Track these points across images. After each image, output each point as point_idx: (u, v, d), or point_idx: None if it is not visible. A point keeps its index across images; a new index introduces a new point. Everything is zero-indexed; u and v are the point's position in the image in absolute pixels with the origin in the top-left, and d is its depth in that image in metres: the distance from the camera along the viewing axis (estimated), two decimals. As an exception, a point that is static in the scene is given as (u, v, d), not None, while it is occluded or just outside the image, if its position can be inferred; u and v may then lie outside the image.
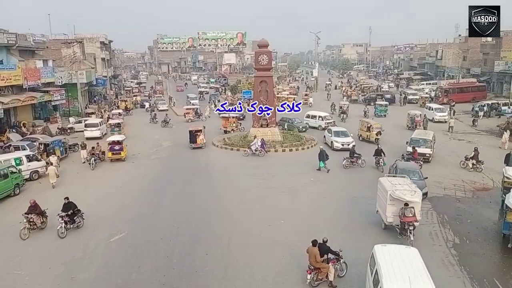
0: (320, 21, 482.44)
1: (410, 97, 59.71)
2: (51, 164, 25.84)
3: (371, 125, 34.15)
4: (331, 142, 31.99)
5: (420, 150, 27.13)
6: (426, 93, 61.30)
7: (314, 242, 13.53)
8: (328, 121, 39.87)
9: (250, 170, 26.99)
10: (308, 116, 41.73)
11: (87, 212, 20.02)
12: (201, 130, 33.65)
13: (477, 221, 18.47)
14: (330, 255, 13.62)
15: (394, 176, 19.42)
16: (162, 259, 15.38)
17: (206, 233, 17.48)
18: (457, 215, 19.20)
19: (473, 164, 26.16)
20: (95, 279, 14.16)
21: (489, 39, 70.18)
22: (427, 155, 27.45)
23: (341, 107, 46.82)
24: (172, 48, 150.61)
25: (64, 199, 18.09)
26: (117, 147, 29.69)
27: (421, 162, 26.61)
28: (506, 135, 32.31)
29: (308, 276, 13.33)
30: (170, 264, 14.98)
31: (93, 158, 27.76)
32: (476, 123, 41.44)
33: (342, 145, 31.06)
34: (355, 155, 27.20)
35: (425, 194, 19.74)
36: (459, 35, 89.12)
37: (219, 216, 19.33)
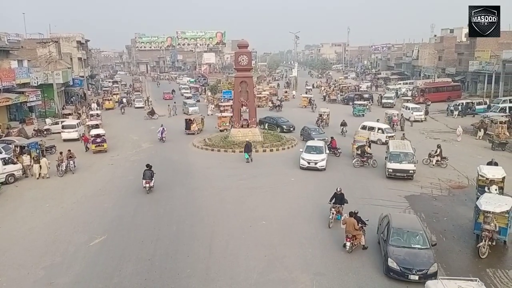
0: (299, 21, 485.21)
1: (384, 100, 55.42)
2: (23, 163, 26.28)
3: (353, 138, 29.50)
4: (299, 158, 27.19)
5: (402, 166, 24.18)
6: (404, 93, 61.90)
7: (351, 214, 15.99)
8: (389, 134, 33.53)
9: (231, 171, 27.00)
10: (364, 128, 34.50)
11: (66, 215, 19.81)
12: (194, 119, 38.86)
13: (453, 219, 18.99)
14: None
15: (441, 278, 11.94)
16: (144, 262, 15.29)
17: (188, 235, 17.45)
18: (434, 213, 19.67)
19: (437, 160, 27.03)
20: (75, 283, 13.99)
21: (464, 39, 72.07)
22: (410, 171, 24.11)
23: (320, 115, 41.85)
24: (150, 47, 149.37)
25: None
26: (99, 140, 32.42)
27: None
28: (460, 129, 35.08)
29: (348, 243, 15.52)
30: (152, 267, 14.91)
31: (72, 161, 27.22)
32: (426, 116, 45.86)
33: (308, 163, 26.35)
34: (366, 154, 27.03)
35: (434, 275, 13.23)
36: (435, 35, 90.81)
37: (200, 217, 19.30)
